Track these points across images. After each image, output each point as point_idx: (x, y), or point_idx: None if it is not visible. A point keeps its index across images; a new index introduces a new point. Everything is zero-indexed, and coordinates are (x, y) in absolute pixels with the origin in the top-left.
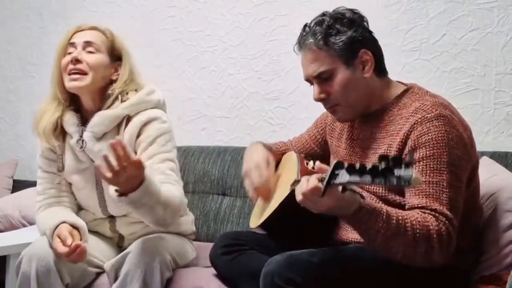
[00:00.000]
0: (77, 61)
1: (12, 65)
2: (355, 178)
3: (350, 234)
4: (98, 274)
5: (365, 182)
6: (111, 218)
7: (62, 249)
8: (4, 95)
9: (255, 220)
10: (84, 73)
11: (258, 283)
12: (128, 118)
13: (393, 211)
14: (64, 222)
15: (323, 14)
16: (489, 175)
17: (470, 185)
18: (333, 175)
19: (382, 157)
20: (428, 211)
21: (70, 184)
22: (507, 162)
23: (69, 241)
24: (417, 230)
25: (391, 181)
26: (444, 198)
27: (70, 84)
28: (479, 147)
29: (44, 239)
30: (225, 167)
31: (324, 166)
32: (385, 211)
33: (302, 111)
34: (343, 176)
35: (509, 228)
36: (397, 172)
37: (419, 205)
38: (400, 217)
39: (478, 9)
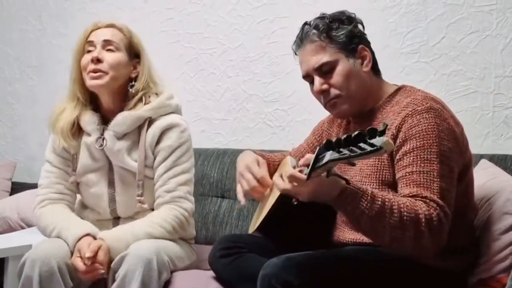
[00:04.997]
0: (98, 60)
1: (11, 67)
2: (334, 155)
3: (347, 234)
4: None
5: (344, 156)
6: (116, 219)
7: (81, 265)
8: (3, 98)
9: (253, 225)
10: (104, 72)
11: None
12: (150, 121)
13: (379, 193)
14: (88, 234)
15: (323, 14)
16: (488, 177)
17: (462, 181)
18: (317, 160)
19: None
20: (419, 198)
21: (78, 184)
22: (506, 165)
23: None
24: (405, 213)
25: (365, 148)
26: (435, 187)
27: (91, 82)
28: (478, 150)
29: (47, 241)
30: (224, 169)
31: None
32: (370, 192)
33: (301, 113)
34: (325, 158)
35: (507, 230)
36: (370, 140)
37: (410, 194)
38: (386, 200)
39: (477, 12)
